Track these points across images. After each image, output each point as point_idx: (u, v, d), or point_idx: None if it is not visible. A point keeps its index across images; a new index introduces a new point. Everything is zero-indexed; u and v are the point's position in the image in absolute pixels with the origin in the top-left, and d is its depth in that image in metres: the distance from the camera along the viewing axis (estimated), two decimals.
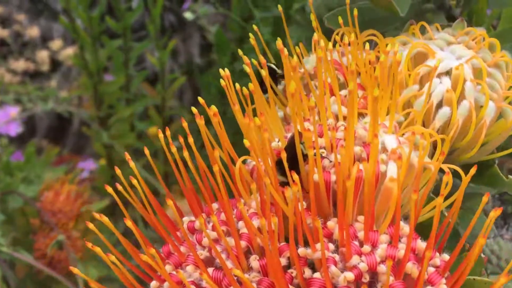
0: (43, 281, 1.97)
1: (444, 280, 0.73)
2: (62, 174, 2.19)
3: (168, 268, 0.78)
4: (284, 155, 0.72)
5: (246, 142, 0.75)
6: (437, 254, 0.75)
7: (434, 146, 0.81)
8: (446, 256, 0.76)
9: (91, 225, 0.79)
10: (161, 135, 0.83)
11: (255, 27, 0.99)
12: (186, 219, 0.83)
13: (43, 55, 3.46)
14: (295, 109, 0.76)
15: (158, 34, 2.64)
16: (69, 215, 1.99)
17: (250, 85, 0.81)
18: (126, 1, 2.68)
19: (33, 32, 3.54)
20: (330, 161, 0.77)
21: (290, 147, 0.76)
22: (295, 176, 0.69)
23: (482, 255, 0.80)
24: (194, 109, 0.83)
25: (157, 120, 2.83)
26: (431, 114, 0.88)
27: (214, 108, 0.80)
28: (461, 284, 0.74)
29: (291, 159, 0.75)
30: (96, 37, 2.56)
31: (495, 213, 0.69)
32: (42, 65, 3.44)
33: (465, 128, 0.88)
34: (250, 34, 0.96)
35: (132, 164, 0.81)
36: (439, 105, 0.88)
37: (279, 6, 1.06)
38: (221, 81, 0.87)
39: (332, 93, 0.89)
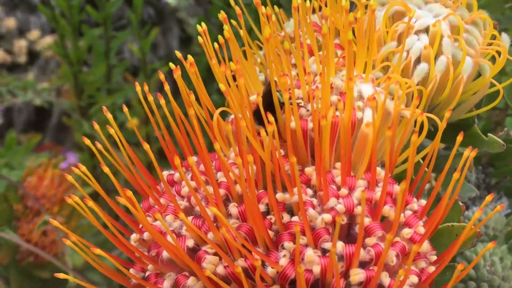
0: (26, 267, 1.96)
1: (421, 222, 0.74)
2: (46, 160, 2.17)
3: (148, 220, 0.78)
4: (260, 100, 0.73)
5: (221, 86, 0.75)
6: (414, 199, 0.76)
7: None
8: (423, 202, 0.76)
9: (89, 203, 0.78)
10: (138, 88, 0.83)
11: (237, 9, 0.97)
12: (165, 172, 0.83)
13: (20, 44, 3.44)
14: (271, 55, 0.76)
15: (139, 24, 2.64)
16: (53, 200, 1.97)
17: (226, 33, 0.82)
18: None
19: (10, 23, 3.51)
20: (307, 110, 0.77)
21: (267, 95, 0.76)
22: (271, 118, 0.70)
23: (460, 203, 0.81)
24: (178, 53, 0.83)
25: (139, 111, 2.83)
26: (409, 71, 0.88)
27: (190, 58, 0.80)
28: (438, 227, 0.75)
29: (268, 107, 0.76)
30: (76, 26, 2.55)
31: (469, 152, 0.69)
32: (19, 56, 3.42)
33: (443, 84, 0.89)
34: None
35: (109, 116, 0.81)
36: (417, 61, 0.89)
37: None
38: (199, 38, 0.87)
39: (312, 54, 0.90)
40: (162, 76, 0.82)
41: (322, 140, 0.71)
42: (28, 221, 1.92)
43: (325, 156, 0.72)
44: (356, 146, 0.76)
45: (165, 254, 0.73)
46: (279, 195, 0.73)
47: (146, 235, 0.77)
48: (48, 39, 3.59)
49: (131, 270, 0.79)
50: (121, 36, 2.65)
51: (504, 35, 0.93)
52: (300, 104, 0.77)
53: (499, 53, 0.90)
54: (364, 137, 0.75)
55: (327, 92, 0.74)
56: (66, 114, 2.92)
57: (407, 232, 0.72)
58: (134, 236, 0.79)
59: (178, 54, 0.83)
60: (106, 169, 0.77)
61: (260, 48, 1.06)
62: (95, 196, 2.30)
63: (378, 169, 0.75)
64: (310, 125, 0.76)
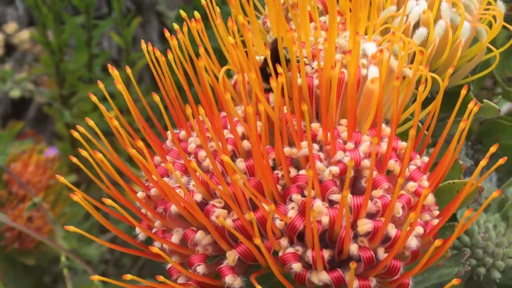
0: (10, 254, 1.94)
1: (425, 176, 0.75)
2: (30, 146, 2.15)
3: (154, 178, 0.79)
4: (268, 53, 0.73)
5: (230, 39, 0.75)
6: (417, 156, 0.77)
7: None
8: (425, 158, 0.78)
9: (75, 197, 0.78)
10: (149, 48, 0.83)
11: None
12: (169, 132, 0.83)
13: None
14: (276, 11, 0.77)
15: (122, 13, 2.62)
16: (38, 187, 1.95)
17: None
18: None
19: None
20: (312, 68, 0.78)
21: (273, 52, 0.77)
22: (280, 70, 0.70)
23: (461, 162, 0.82)
24: (182, 12, 0.83)
25: (121, 100, 2.81)
26: (409, 35, 0.90)
27: (197, 14, 0.80)
28: (440, 182, 0.76)
29: (274, 65, 0.76)
30: (58, 14, 2.52)
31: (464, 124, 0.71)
32: None
33: (442, 49, 0.90)
34: None
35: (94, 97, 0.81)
36: (416, 26, 0.90)
37: None
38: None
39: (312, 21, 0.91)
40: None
41: (329, 94, 0.72)
42: (13, 207, 1.90)
43: (332, 110, 0.73)
44: (361, 102, 0.77)
45: (173, 208, 0.74)
46: (287, 150, 0.74)
47: (153, 191, 0.77)
48: (25, 33, 3.55)
49: (137, 228, 0.79)
50: (103, 24, 2.64)
51: (500, 2, 0.95)
52: (305, 62, 0.78)
53: (494, 18, 0.92)
54: (369, 93, 0.76)
55: (332, 49, 0.75)
56: (46, 104, 2.89)
57: (412, 185, 0.73)
58: (140, 194, 0.79)
59: (183, 13, 0.83)
60: (99, 156, 0.77)
61: (258, 18, 1.07)
62: (77, 185, 2.30)
63: (382, 125, 0.76)
64: (316, 81, 0.76)
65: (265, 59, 0.76)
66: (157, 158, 0.81)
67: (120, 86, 0.80)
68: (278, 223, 0.71)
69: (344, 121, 0.76)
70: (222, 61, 0.88)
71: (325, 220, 0.69)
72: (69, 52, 2.82)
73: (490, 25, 0.93)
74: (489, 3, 0.94)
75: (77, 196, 0.76)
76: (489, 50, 0.96)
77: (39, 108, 3.44)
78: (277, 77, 0.74)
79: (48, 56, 2.61)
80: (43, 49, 2.65)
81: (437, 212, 0.76)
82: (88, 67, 2.73)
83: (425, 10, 0.89)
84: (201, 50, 0.77)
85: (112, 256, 2.35)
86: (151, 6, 4.20)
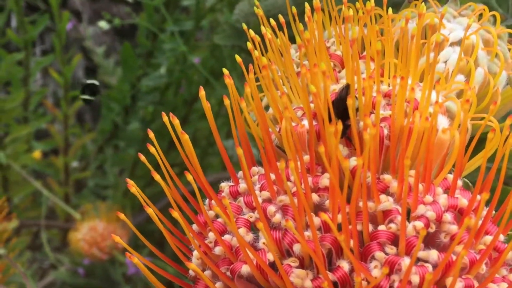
0: None
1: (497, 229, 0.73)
2: None
3: (211, 236, 0.73)
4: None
5: (312, 88, 0.70)
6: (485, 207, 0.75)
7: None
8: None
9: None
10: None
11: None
12: (224, 184, 0.77)
13: None
14: (350, 57, 0.73)
15: (63, 50, 2.53)
16: None
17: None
18: (29, 14, 2.55)
19: None
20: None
21: (342, 100, 0.73)
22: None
23: None
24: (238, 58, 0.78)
25: (58, 139, 2.70)
26: (447, 82, 0.89)
27: (225, 70, 0.76)
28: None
29: (341, 113, 0.73)
30: None
31: None
32: None
33: (478, 96, 0.89)
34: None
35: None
36: (454, 73, 0.89)
37: None
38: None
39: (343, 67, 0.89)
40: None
41: (406, 144, 0.70)
42: None
43: (408, 162, 0.70)
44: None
45: (245, 269, 0.68)
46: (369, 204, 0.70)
47: (218, 249, 0.71)
48: None
49: None
50: (42, 61, 2.53)
51: None
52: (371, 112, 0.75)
53: None
54: (441, 143, 0.74)
55: (403, 98, 0.73)
56: None
57: (489, 239, 0.71)
58: (196, 253, 0.73)
59: (238, 58, 0.78)
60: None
61: None
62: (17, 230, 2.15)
63: (449, 175, 0.74)
64: (385, 131, 0.73)
65: (333, 106, 0.73)
66: (211, 213, 0.75)
67: None
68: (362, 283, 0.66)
69: (412, 172, 0.73)
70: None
71: (416, 279, 0.65)
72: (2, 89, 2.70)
73: None
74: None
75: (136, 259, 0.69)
76: None
77: None
78: (346, 128, 0.70)
79: None
80: None
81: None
82: (24, 105, 2.60)
83: (462, 57, 0.89)
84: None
85: None
86: (77, 41, 4.09)
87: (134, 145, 2.70)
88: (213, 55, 2.52)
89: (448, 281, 0.66)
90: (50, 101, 3.42)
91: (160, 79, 2.60)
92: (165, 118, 0.78)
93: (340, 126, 0.66)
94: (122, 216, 0.74)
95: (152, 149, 0.77)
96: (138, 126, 2.73)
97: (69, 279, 2.27)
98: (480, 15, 0.97)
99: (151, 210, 0.70)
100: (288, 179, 0.73)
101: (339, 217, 0.70)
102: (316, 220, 0.69)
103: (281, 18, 0.87)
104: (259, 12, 0.93)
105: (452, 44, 0.91)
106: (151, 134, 0.78)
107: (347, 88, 0.74)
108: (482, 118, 0.79)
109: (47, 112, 2.91)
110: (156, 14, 2.46)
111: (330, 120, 0.72)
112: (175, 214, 0.68)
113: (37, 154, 2.81)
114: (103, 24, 2.40)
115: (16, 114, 2.55)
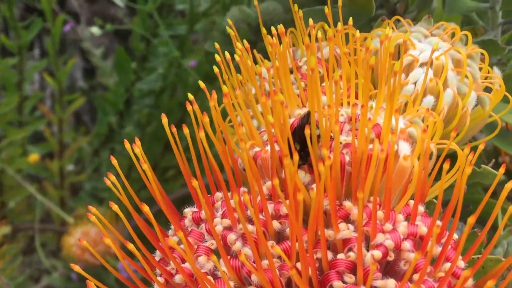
0: None
1: (460, 256, 0.73)
2: None
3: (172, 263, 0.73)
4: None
5: (270, 118, 0.71)
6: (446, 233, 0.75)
7: None
8: (455, 236, 0.76)
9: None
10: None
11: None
12: (188, 210, 0.78)
13: None
14: (313, 85, 0.73)
15: (60, 52, 2.53)
16: None
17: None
18: (27, 16, 2.55)
19: None
20: (340, 143, 0.75)
21: (302, 128, 0.74)
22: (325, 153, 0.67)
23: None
24: (201, 84, 0.79)
25: (53, 143, 2.70)
26: (416, 103, 0.89)
27: (190, 95, 0.76)
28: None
29: (301, 141, 0.73)
30: None
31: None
32: None
33: (448, 117, 0.90)
34: None
35: None
36: (423, 94, 0.89)
37: None
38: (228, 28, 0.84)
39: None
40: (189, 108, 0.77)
41: (366, 171, 0.70)
42: None
43: (367, 189, 0.71)
44: (393, 179, 0.75)
45: None
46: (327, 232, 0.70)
47: (178, 278, 0.71)
48: None
49: None
50: (37, 65, 2.53)
51: (496, 69, 0.96)
52: (331, 137, 0.75)
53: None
54: (402, 170, 0.74)
55: (364, 124, 0.73)
56: None
57: (447, 266, 0.71)
58: (160, 280, 0.73)
59: (202, 84, 0.79)
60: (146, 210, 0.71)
61: None
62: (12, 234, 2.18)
63: (411, 201, 0.75)
64: (347, 158, 0.74)
65: (294, 135, 0.73)
66: (174, 239, 0.76)
67: None
68: None
69: (371, 199, 0.73)
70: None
71: None
72: None
73: (489, 91, 0.94)
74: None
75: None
76: None
77: None
78: (307, 155, 0.71)
79: None
80: None
81: None
82: (18, 109, 2.61)
83: (432, 78, 0.89)
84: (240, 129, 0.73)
85: None
86: (74, 43, 4.09)
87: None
88: (208, 60, 2.53)
89: None
90: (48, 104, 3.43)
91: (155, 82, 2.60)
92: (164, 120, 0.79)
93: (296, 157, 0.66)
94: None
95: (137, 150, 0.77)
96: (133, 129, 2.73)
97: (62, 284, 2.28)
98: (453, 34, 0.97)
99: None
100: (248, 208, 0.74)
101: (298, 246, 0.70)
102: (276, 250, 0.70)
103: (246, 43, 0.87)
104: (231, 32, 0.94)
105: (422, 65, 0.91)
106: None
107: (307, 116, 0.74)
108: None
109: (44, 116, 2.92)
110: (149, 18, 2.46)
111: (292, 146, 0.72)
112: (131, 246, 0.69)
113: (34, 157, 2.82)
114: (95, 30, 2.40)
115: (11, 118, 2.55)
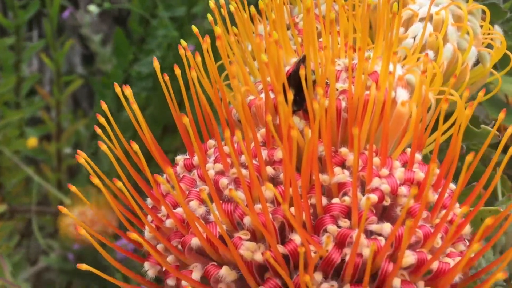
0: None
1: (457, 204, 0.71)
2: None
3: (164, 209, 0.72)
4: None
5: (263, 57, 0.69)
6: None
7: None
8: (452, 186, 0.74)
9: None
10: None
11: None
12: (180, 157, 0.76)
13: None
14: (309, 28, 0.72)
15: (58, 35, 2.51)
16: None
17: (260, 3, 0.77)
18: None
19: None
20: (337, 89, 0.73)
21: (297, 73, 0.72)
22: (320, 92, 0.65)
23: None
24: (194, 28, 0.77)
25: (51, 126, 2.69)
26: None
27: (218, 29, 0.74)
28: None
29: (297, 86, 0.72)
30: None
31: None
32: None
33: (447, 72, 0.88)
34: None
35: None
36: (422, 48, 0.87)
37: None
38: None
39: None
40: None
41: (362, 117, 0.68)
42: None
43: (364, 135, 0.69)
44: (391, 126, 0.73)
45: (194, 242, 0.67)
46: (321, 177, 0.68)
47: (169, 222, 0.69)
48: None
49: (146, 264, 0.71)
50: (34, 46, 2.52)
51: (497, 27, 0.94)
52: (327, 83, 0.74)
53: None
54: (399, 116, 0.72)
55: (361, 69, 0.71)
56: None
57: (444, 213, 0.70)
58: (147, 228, 0.72)
59: (195, 29, 0.77)
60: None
61: None
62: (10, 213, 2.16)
63: (408, 149, 0.73)
64: (343, 104, 0.72)
65: (290, 80, 0.71)
66: (164, 187, 0.74)
67: None
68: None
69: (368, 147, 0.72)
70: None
71: (366, 252, 0.64)
72: None
73: (490, 48, 0.92)
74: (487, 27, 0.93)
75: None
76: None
77: None
78: (302, 100, 0.69)
79: None
80: None
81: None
82: (15, 90, 2.59)
83: (432, 33, 0.87)
84: (233, 69, 0.71)
85: None
86: (73, 29, 4.07)
87: (127, 131, 2.69)
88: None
89: (402, 254, 0.65)
90: (46, 86, 3.41)
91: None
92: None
93: (291, 95, 0.64)
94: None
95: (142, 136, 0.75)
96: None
97: (58, 264, 2.27)
98: None
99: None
100: (242, 153, 0.72)
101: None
102: (269, 194, 0.68)
103: None
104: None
105: (421, 20, 0.89)
106: None
107: (303, 59, 0.72)
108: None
109: (42, 99, 2.91)
110: None
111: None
112: (119, 184, 0.67)
113: (32, 141, 2.80)
114: (93, 8, 2.38)
115: (8, 99, 2.54)
